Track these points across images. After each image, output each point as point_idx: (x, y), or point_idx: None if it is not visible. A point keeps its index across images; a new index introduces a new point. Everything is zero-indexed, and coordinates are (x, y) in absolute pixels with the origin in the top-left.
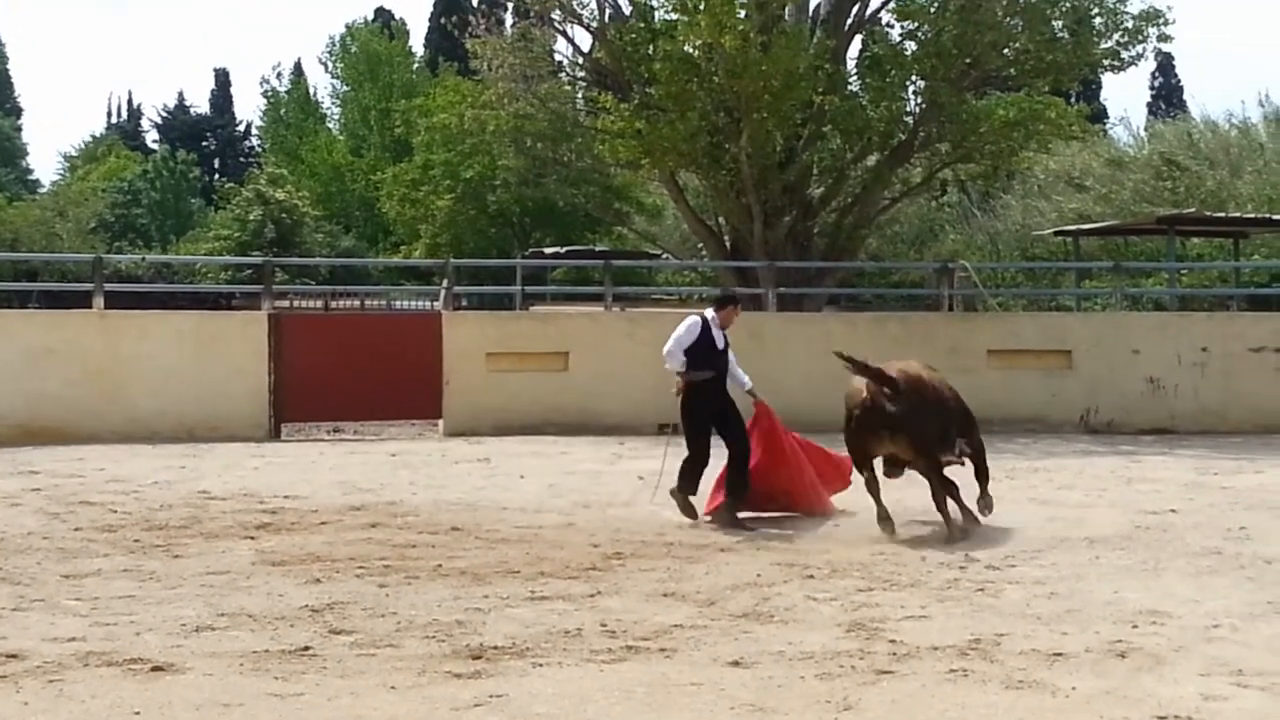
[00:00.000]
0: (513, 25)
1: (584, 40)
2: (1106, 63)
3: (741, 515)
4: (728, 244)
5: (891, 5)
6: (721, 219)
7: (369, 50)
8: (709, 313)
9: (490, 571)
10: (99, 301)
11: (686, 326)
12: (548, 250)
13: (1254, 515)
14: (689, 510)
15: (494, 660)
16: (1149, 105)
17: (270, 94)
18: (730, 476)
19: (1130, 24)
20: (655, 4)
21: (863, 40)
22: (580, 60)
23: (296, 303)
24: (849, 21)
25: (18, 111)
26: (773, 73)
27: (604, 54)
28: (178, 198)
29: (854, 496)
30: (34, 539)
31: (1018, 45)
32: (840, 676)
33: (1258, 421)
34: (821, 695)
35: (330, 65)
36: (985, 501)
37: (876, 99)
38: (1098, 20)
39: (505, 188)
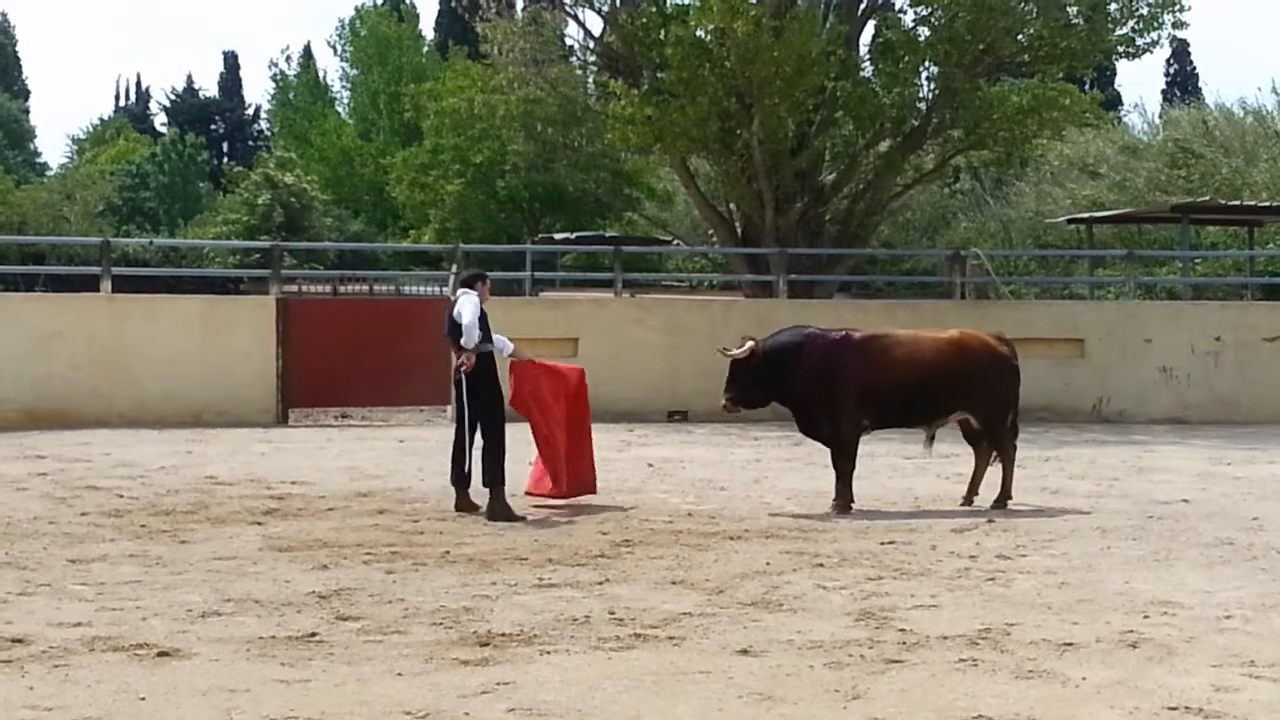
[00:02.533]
0: (523, 9)
1: (595, 24)
2: (1121, 49)
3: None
4: (739, 230)
5: None
6: (732, 205)
7: (378, 34)
8: (470, 291)
9: (498, 558)
10: (106, 285)
11: (472, 302)
12: (557, 236)
13: (1267, 506)
14: (511, 514)
15: (501, 647)
16: (1164, 92)
17: (279, 77)
18: (495, 462)
19: (1145, 11)
20: None
21: (875, 25)
22: (591, 45)
23: (305, 287)
24: (862, 6)
25: (26, 94)
26: (785, 58)
27: (615, 38)
28: (186, 181)
29: (865, 486)
30: (40, 524)
31: (1031, 31)
32: (849, 665)
33: (1271, 411)
34: (830, 684)
35: (339, 49)
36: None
37: (889, 85)
38: (1113, 7)
39: (515, 173)
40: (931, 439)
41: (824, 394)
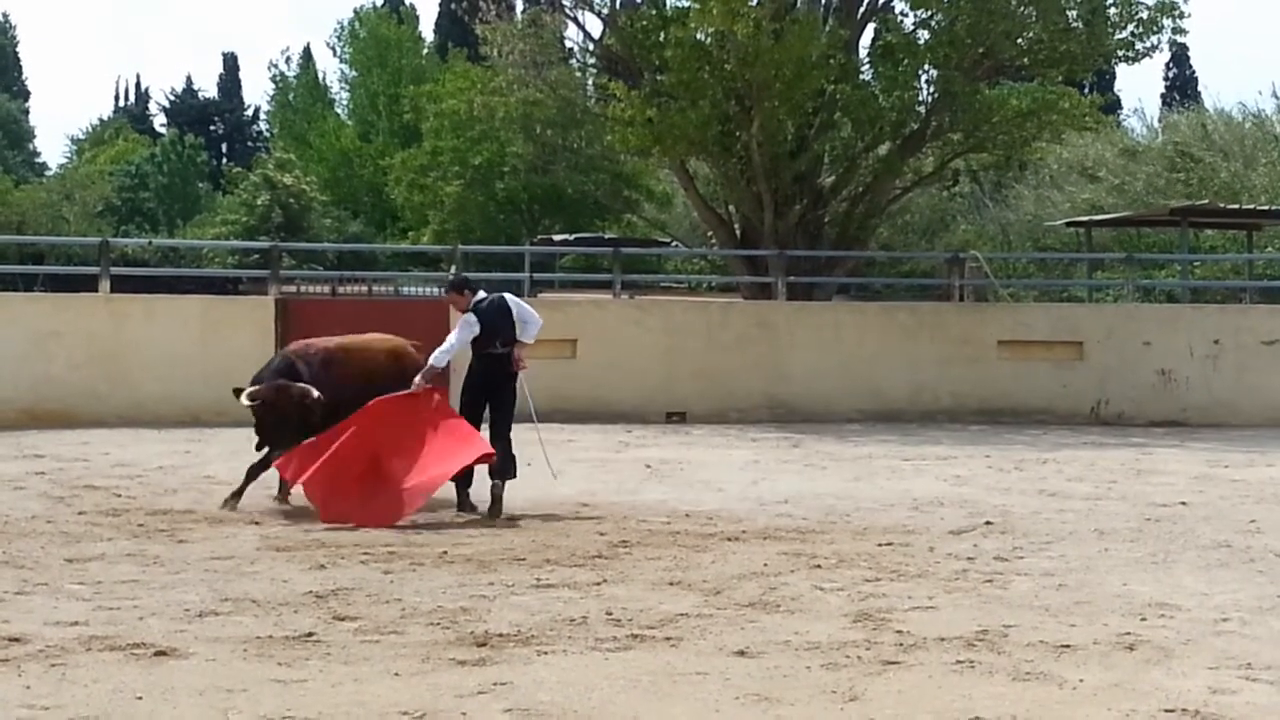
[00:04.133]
0: (523, 11)
1: (595, 27)
2: (1121, 53)
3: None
4: (738, 232)
5: None
6: (731, 207)
7: (378, 35)
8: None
9: (495, 559)
10: (105, 285)
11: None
12: (556, 237)
13: (1265, 509)
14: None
15: (499, 648)
16: (1163, 96)
17: (278, 79)
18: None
19: (1145, 15)
20: None
21: (875, 29)
22: (591, 47)
23: (303, 288)
24: (862, 10)
25: (26, 94)
26: (785, 61)
27: (615, 41)
28: (185, 182)
29: (862, 488)
30: (38, 523)
31: (1031, 35)
32: (846, 667)
33: (1269, 414)
34: (827, 685)
35: (339, 50)
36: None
37: (889, 88)
38: (1112, 11)
39: (514, 174)
40: None
41: None
